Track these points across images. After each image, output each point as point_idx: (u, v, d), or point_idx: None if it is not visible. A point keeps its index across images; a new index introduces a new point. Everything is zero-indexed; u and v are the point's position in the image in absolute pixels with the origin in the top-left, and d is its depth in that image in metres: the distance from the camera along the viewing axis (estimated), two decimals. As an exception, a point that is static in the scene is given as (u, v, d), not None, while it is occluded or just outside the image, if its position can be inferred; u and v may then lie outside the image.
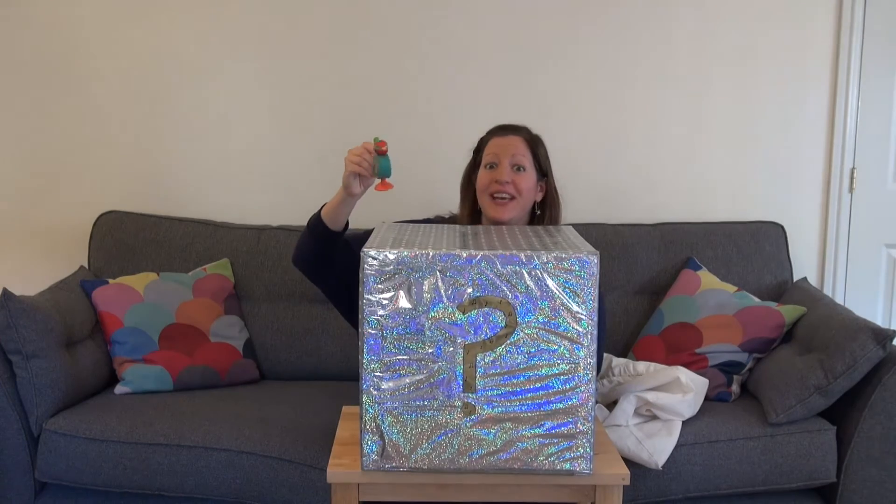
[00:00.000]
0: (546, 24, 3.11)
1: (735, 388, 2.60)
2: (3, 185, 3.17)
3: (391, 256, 1.62)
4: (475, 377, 1.65)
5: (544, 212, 2.33)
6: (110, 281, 2.77)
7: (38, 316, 2.41)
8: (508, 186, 2.22)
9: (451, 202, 2.45)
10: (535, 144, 2.31)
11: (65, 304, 2.59)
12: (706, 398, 2.47)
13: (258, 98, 3.15)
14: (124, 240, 2.95)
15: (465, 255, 1.62)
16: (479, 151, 2.35)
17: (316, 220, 2.13)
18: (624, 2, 3.10)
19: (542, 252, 1.63)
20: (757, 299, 2.75)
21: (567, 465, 1.69)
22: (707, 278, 2.82)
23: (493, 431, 1.68)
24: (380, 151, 1.99)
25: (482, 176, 2.27)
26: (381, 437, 1.68)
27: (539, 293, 1.63)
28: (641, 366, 2.45)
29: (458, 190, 2.40)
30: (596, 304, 1.64)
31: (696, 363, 2.60)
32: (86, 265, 2.96)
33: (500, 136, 2.30)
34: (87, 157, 3.16)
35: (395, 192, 3.12)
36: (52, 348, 2.42)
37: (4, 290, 2.39)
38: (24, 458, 2.39)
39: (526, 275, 1.62)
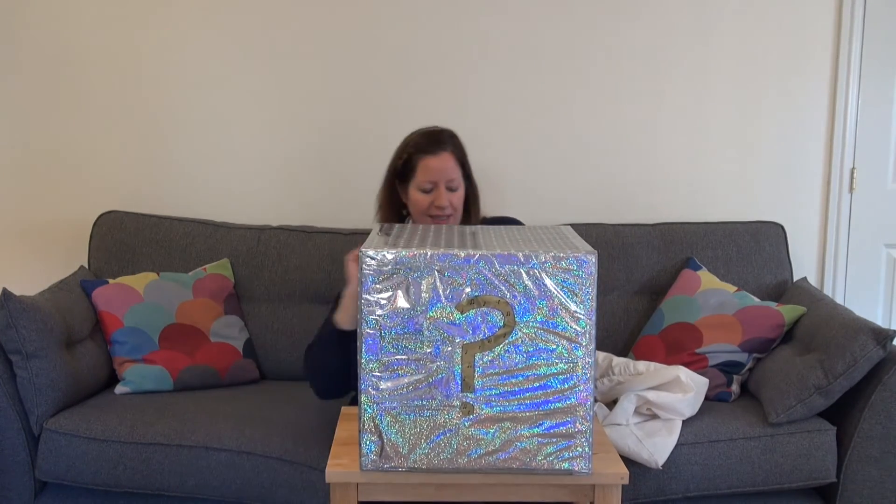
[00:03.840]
0: (547, 24, 3.10)
1: (735, 388, 2.60)
2: (2, 184, 3.18)
3: (389, 256, 1.62)
4: (473, 377, 1.65)
5: (469, 208, 2.39)
6: (110, 281, 2.77)
7: (38, 316, 2.41)
8: (448, 208, 2.29)
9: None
10: (461, 154, 2.35)
11: (65, 304, 2.59)
12: (706, 398, 2.47)
13: (259, 98, 3.15)
14: (124, 240, 2.95)
15: (462, 254, 1.62)
16: (406, 165, 2.34)
17: (338, 331, 2.10)
18: (623, 2, 3.10)
19: (541, 251, 1.63)
20: (757, 299, 2.75)
21: (566, 465, 1.69)
22: (707, 278, 2.82)
23: (492, 431, 1.68)
24: None
25: (420, 199, 2.31)
26: (380, 436, 1.68)
27: (537, 293, 1.63)
28: (642, 365, 2.44)
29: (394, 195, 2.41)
30: (594, 304, 1.64)
31: (695, 363, 2.60)
32: (86, 265, 2.96)
33: (431, 155, 2.30)
34: (87, 157, 3.17)
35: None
36: (52, 348, 2.42)
37: (4, 290, 2.40)
38: (24, 458, 2.40)
39: (524, 274, 1.63)
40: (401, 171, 2.35)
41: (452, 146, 2.34)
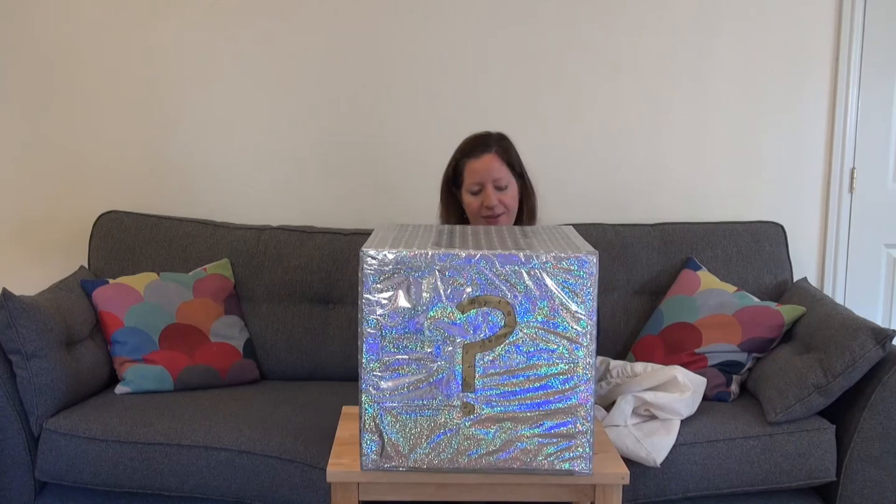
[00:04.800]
0: (548, 25, 3.11)
1: (734, 387, 2.60)
2: (2, 184, 3.18)
3: (390, 256, 1.62)
4: (474, 377, 1.66)
5: (523, 205, 2.48)
6: (110, 281, 2.77)
7: (38, 316, 2.41)
8: (498, 207, 2.39)
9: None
10: (507, 154, 2.43)
11: (65, 304, 2.59)
12: (705, 398, 2.47)
13: (259, 98, 3.15)
14: (124, 240, 2.95)
15: (463, 254, 1.62)
16: (455, 171, 2.45)
17: None
18: (624, 3, 3.10)
19: (541, 252, 1.63)
20: (756, 299, 2.75)
21: (566, 465, 1.69)
22: (707, 278, 2.82)
23: (493, 431, 1.68)
24: None
25: (471, 201, 2.42)
26: (381, 436, 1.68)
27: (538, 293, 1.63)
28: (639, 366, 2.45)
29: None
30: (595, 304, 1.64)
31: (695, 363, 2.60)
32: (86, 265, 2.96)
33: (475, 157, 2.41)
34: (87, 157, 3.16)
35: (399, 197, 3.14)
36: (52, 348, 2.42)
37: (4, 290, 2.39)
38: (24, 458, 2.40)
39: (525, 274, 1.63)
40: (452, 177, 2.46)
41: (498, 147, 2.42)
